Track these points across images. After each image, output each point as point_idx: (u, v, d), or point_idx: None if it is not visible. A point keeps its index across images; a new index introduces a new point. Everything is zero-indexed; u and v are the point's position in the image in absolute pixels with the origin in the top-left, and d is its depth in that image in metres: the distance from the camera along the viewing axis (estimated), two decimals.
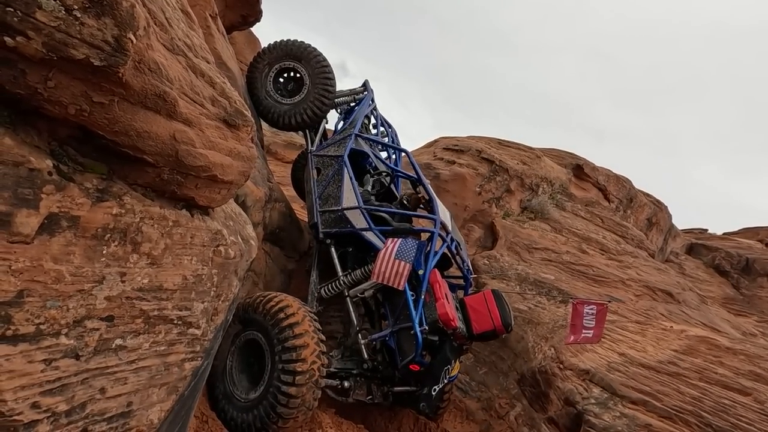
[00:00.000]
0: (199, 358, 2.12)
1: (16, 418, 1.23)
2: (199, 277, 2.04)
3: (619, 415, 3.90)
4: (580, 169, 11.40)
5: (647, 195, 14.59)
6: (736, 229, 21.83)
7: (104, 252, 1.48)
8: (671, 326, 5.07)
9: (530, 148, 10.56)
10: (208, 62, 2.02)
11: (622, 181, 12.75)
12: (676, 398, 3.80)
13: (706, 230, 21.42)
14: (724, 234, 21.31)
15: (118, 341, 1.58)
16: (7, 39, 1.04)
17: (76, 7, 1.08)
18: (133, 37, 1.19)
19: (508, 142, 10.53)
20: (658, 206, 14.59)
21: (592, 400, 4.18)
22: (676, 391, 3.85)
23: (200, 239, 2.01)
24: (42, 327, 1.30)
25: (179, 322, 1.90)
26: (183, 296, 1.91)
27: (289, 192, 8.70)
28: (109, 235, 1.49)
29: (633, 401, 3.96)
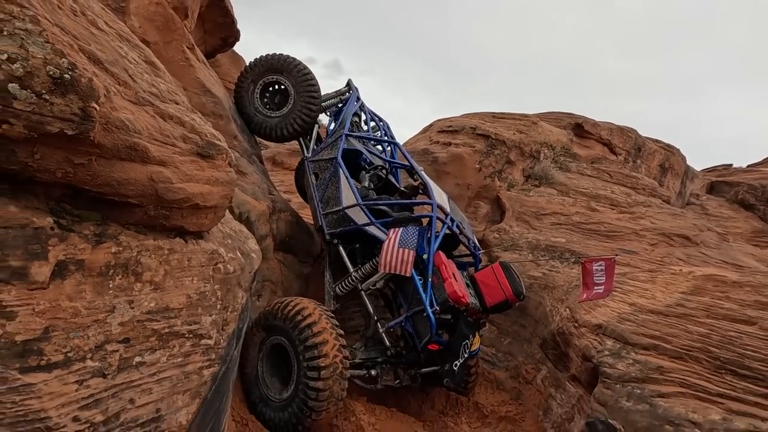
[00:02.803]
0: (216, 365, 2.39)
1: (61, 429, 1.50)
2: (202, 294, 2.30)
3: (632, 362, 4.02)
4: (580, 127, 11.30)
5: (656, 141, 14.29)
6: (760, 159, 21.03)
7: (111, 285, 1.74)
8: (680, 269, 5.13)
9: (525, 116, 10.52)
10: (177, 103, 2.25)
11: (626, 132, 12.54)
12: (685, 338, 3.90)
13: (731, 165, 20.72)
14: (748, 166, 20.58)
15: (138, 358, 1.85)
16: None
17: (44, 91, 1.32)
18: (96, 105, 1.42)
19: (502, 113, 10.52)
20: (670, 150, 14.27)
21: (606, 352, 4.31)
22: (685, 331, 3.95)
23: (197, 261, 2.27)
24: (69, 354, 1.57)
25: (190, 336, 2.16)
26: (190, 312, 2.17)
27: (299, 199, 8.97)
28: (112, 270, 1.75)
29: (644, 347, 4.07)
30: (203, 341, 2.28)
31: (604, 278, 5.15)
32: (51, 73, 1.32)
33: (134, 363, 1.83)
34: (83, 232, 1.64)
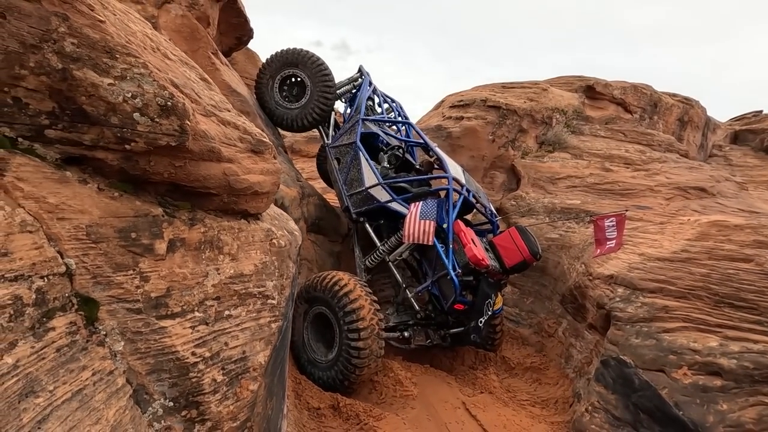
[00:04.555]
0: (280, 320, 2.95)
1: (185, 360, 2.08)
2: (264, 263, 2.84)
3: (640, 305, 4.43)
4: (591, 89, 11.34)
5: (673, 95, 14.11)
6: None
7: (203, 257, 2.29)
8: (688, 219, 5.43)
9: (535, 83, 10.65)
10: (229, 111, 2.76)
11: (640, 89, 12.47)
12: (688, 279, 4.27)
13: (761, 112, 20.06)
14: None
15: (227, 312, 2.41)
16: (126, 146, 1.82)
17: (155, 116, 1.83)
18: (188, 122, 1.93)
19: (512, 83, 10.68)
20: (688, 103, 14.09)
21: (617, 299, 4.73)
22: (688, 273, 4.31)
23: (259, 237, 2.81)
24: (184, 307, 2.13)
25: (260, 296, 2.72)
26: (258, 278, 2.73)
27: (321, 184, 9.52)
28: (203, 245, 2.29)
29: (651, 291, 4.46)
30: (269, 301, 2.84)
31: (615, 233, 5.51)
32: (159, 102, 1.82)
33: (225, 315, 2.40)
34: (181, 217, 2.19)
